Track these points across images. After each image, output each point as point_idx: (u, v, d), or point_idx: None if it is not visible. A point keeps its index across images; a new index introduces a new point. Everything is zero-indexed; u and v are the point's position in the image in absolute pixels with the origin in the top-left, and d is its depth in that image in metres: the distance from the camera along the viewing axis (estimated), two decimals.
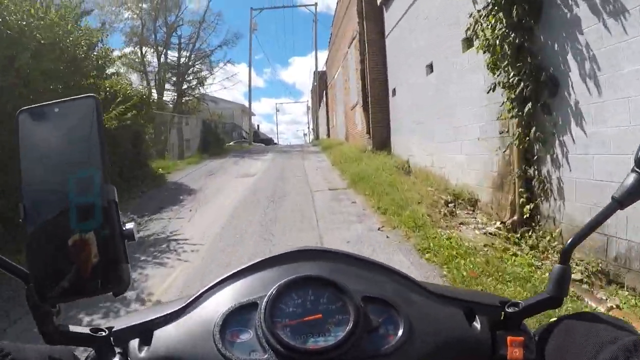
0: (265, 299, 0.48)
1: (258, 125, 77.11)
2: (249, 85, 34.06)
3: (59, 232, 0.39)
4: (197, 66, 23.92)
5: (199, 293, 0.53)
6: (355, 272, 0.53)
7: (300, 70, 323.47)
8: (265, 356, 0.45)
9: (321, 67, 32.05)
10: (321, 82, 31.59)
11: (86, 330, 0.46)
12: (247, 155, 17.09)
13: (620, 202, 0.43)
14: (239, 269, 0.54)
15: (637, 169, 0.42)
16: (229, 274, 0.54)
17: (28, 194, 0.40)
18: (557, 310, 0.49)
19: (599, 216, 0.45)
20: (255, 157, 16.03)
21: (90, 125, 0.41)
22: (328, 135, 28.26)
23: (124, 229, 0.41)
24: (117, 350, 0.47)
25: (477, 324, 0.50)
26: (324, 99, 32.73)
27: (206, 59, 25.01)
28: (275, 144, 60.20)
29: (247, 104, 35.54)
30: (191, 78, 23.51)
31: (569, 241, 0.47)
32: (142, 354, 0.47)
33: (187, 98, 22.77)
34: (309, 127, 74.21)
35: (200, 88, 23.73)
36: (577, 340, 0.41)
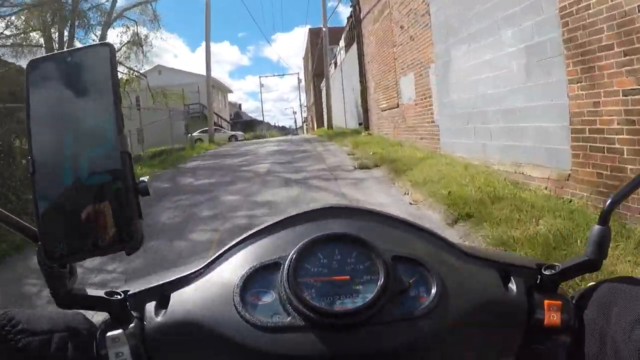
0: (289, 258, 0.45)
1: (240, 105, 64.44)
2: (207, 40, 21.13)
3: (69, 187, 0.37)
4: (129, 18, 14.63)
5: (219, 253, 0.49)
6: (384, 231, 0.50)
7: (285, 47, 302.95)
8: (288, 319, 0.42)
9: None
10: (332, 40, 24.12)
11: (100, 293, 0.43)
12: None
13: None
14: (259, 227, 0.51)
15: None
16: (249, 234, 0.50)
17: (37, 146, 0.37)
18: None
19: None
20: None
21: (105, 74, 0.38)
22: (366, 125, 14.75)
23: (138, 182, 0.38)
24: (134, 314, 0.44)
25: (513, 287, 0.47)
26: (339, 57, 22.21)
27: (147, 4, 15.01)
28: (261, 122, 43.78)
29: (224, 80, 24.25)
30: (124, 39, 14.76)
31: (608, 201, 0.43)
32: (159, 318, 0.44)
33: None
34: (300, 106, 61.22)
35: (138, 52, 15.02)
36: (618, 307, 0.40)
